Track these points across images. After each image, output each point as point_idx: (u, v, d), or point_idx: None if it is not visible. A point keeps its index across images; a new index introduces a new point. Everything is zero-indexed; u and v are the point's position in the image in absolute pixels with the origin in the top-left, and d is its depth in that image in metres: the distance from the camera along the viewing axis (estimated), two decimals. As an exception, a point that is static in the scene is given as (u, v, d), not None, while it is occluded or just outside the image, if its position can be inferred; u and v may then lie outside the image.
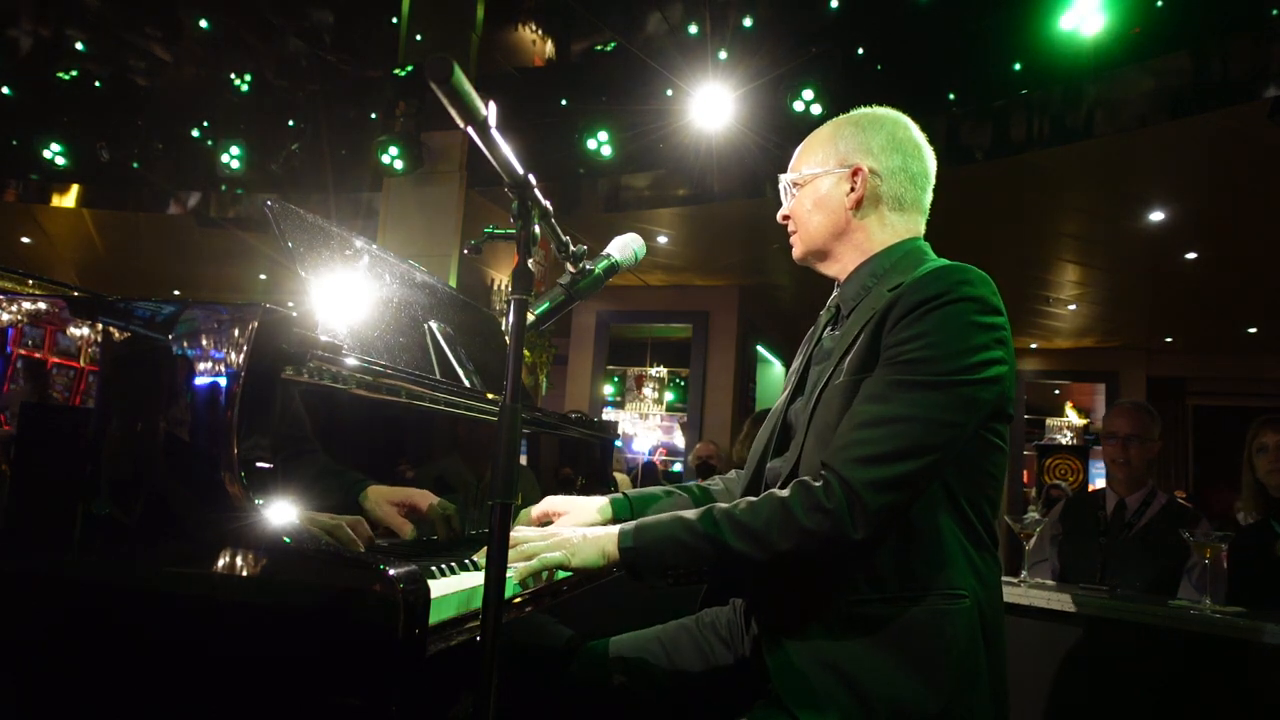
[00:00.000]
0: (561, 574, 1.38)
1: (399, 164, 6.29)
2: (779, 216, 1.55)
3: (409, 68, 6.38)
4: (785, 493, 1.21)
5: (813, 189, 1.46)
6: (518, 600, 1.32)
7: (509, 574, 1.24)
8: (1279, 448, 2.69)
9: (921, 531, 1.22)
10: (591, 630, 1.58)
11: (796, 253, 1.53)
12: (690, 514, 1.24)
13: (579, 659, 1.50)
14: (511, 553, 1.27)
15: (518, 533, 1.33)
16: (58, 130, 7.39)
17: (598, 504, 1.53)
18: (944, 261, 1.33)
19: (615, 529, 1.27)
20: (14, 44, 7.83)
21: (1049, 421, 11.73)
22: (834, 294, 1.51)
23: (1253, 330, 9.16)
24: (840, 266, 1.47)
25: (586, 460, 2.34)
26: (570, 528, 1.34)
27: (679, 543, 1.22)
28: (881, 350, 1.24)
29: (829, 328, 1.47)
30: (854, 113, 1.50)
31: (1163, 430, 3.10)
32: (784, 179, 1.53)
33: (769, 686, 1.28)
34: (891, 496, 1.16)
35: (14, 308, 1.24)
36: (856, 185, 1.42)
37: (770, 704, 1.26)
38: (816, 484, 1.19)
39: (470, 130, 1.00)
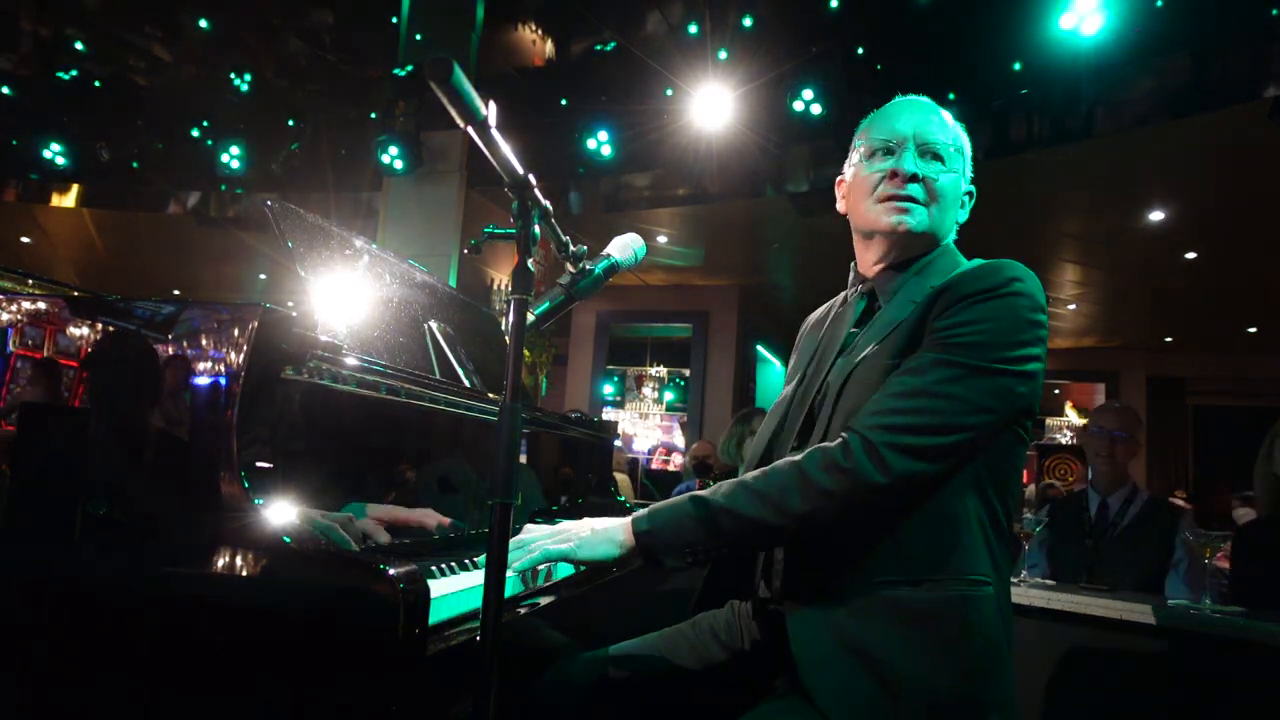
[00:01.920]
0: (565, 569, 1.37)
1: (399, 164, 6.29)
2: (909, 173, 1.33)
3: (409, 68, 6.38)
4: (799, 456, 1.21)
5: (959, 182, 1.39)
6: (518, 600, 1.32)
7: (509, 572, 1.24)
8: None
9: (952, 517, 1.22)
10: (590, 637, 1.58)
11: (916, 226, 1.34)
12: (702, 491, 1.25)
13: (577, 664, 1.50)
14: (517, 548, 1.27)
15: (525, 530, 1.33)
16: (58, 130, 7.39)
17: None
18: (983, 260, 1.35)
19: (628, 519, 1.27)
20: (14, 44, 7.82)
21: (1049, 421, 11.73)
22: (863, 282, 1.45)
23: (1253, 330, 9.17)
24: (903, 258, 1.39)
25: (586, 460, 2.34)
26: (577, 522, 1.34)
27: (694, 519, 1.22)
28: (927, 334, 1.24)
29: (858, 319, 1.43)
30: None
31: (1145, 436, 3.12)
32: (929, 139, 1.35)
33: (775, 683, 1.28)
34: (913, 464, 1.16)
35: (14, 308, 1.24)
36: (964, 206, 1.43)
37: (784, 696, 1.26)
38: (833, 444, 1.19)
39: (470, 130, 1.00)
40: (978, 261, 1.34)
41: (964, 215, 1.44)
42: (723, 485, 1.24)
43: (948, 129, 1.40)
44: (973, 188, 1.44)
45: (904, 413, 1.18)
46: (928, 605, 1.18)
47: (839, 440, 1.19)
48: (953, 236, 1.43)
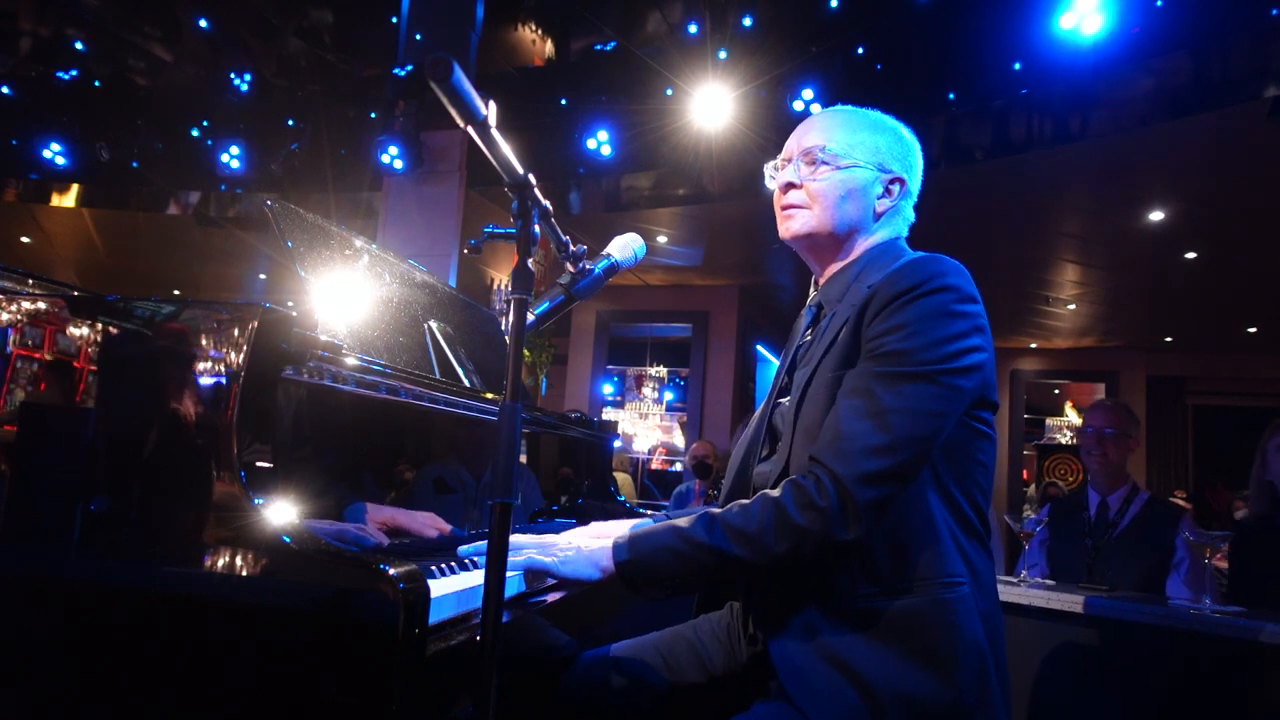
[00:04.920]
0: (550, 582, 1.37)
1: (399, 164, 6.29)
2: (782, 183, 1.44)
3: (409, 68, 6.38)
4: (777, 493, 1.21)
5: (849, 176, 1.40)
6: (518, 600, 1.32)
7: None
8: None
9: (912, 521, 1.22)
10: (591, 637, 1.58)
11: (800, 229, 1.42)
12: (683, 522, 1.24)
13: (577, 665, 1.50)
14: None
15: (513, 538, 1.33)
16: (58, 130, 7.39)
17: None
18: (919, 254, 1.34)
19: (609, 543, 1.26)
20: (14, 44, 7.82)
21: (1049, 421, 11.74)
22: (813, 293, 1.50)
23: (1253, 330, 9.17)
24: (831, 259, 1.45)
25: (586, 460, 2.34)
26: (566, 537, 1.33)
27: (675, 552, 1.22)
28: (862, 344, 1.25)
29: (810, 328, 1.46)
30: (887, 116, 1.47)
31: (1142, 431, 3.11)
32: (809, 145, 1.42)
33: (769, 685, 1.28)
34: (881, 489, 1.16)
35: (14, 308, 1.24)
36: (893, 195, 1.43)
37: (775, 699, 1.26)
38: (807, 481, 1.19)
39: (470, 130, 1.01)
40: (910, 255, 1.35)
41: (893, 203, 1.42)
42: (703, 518, 1.23)
43: (834, 129, 1.42)
44: (901, 174, 1.43)
45: (859, 436, 1.18)
46: (902, 614, 1.19)
47: (811, 476, 1.19)
48: (889, 229, 1.43)
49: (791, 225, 1.43)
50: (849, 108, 1.47)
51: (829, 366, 1.29)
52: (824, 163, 1.40)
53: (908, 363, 1.19)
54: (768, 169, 1.50)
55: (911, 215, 1.48)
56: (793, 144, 1.46)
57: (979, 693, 1.18)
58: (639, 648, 1.52)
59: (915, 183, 1.46)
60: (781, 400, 1.41)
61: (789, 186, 1.43)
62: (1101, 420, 3.04)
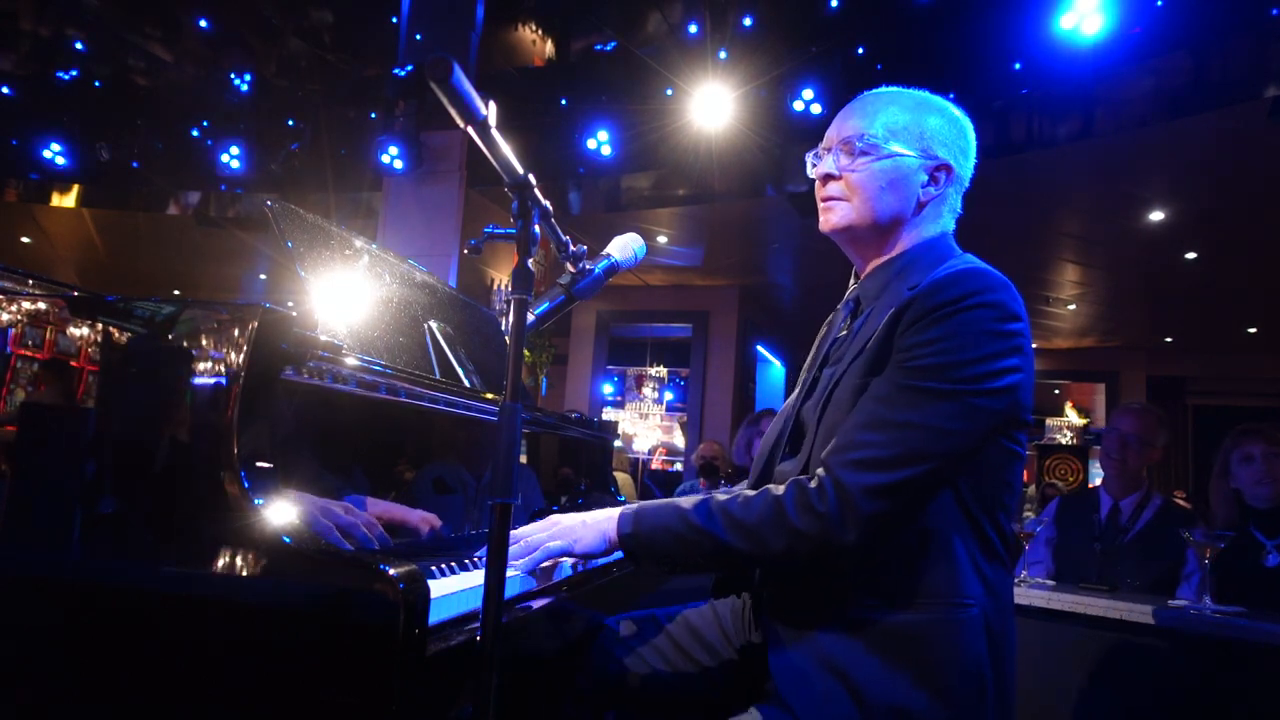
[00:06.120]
0: (567, 562, 1.38)
1: (399, 164, 6.30)
2: (821, 172, 1.38)
3: (409, 68, 6.38)
4: (780, 490, 1.21)
5: (892, 165, 1.32)
6: (518, 599, 1.32)
7: (513, 570, 1.25)
8: (1265, 458, 2.63)
9: (929, 539, 1.20)
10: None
11: (838, 222, 1.36)
12: (687, 504, 1.25)
13: (581, 650, 1.51)
14: (515, 548, 1.28)
15: (520, 530, 1.34)
16: (58, 130, 7.39)
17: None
18: (966, 261, 1.29)
19: (616, 513, 1.28)
20: (14, 44, 7.83)
21: (1049, 421, 11.73)
22: (852, 287, 1.45)
23: (1253, 330, 9.17)
24: (875, 253, 1.38)
25: (586, 460, 2.34)
26: (570, 515, 1.34)
27: (674, 534, 1.23)
28: (893, 352, 1.21)
29: (846, 323, 1.42)
30: (933, 97, 1.39)
31: (1169, 439, 3.05)
32: (848, 134, 1.35)
33: (768, 686, 1.28)
34: (885, 502, 1.15)
35: (14, 308, 1.24)
36: (939, 182, 1.35)
37: (771, 703, 1.26)
38: (811, 484, 1.18)
39: (470, 130, 1.01)
40: (958, 263, 1.28)
41: (939, 192, 1.35)
42: (705, 502, 1.23)
43: (875, 114, 1.35)
44: (948, 160, 1.35)
45: (871, 446, 1.16)
46: (904, 628, 1.17)
47: (816, 479, 1.18)
48: (935, 223, 1.36)
49: (830, 218, 1.37)
50: (894, 89, 1.40)
51: (857, 371, 1.26)
52: (863, 152, 1.33)
53: (936, 379, 1.16)
54: (809, 158, 1.43)
55: (959, 205, 1.40)
56: (833, 131, 1.39)
57: (974, 716, 1.16)
58: (641, 623, 1.52)
59: (966, 168, 1.38)
60: (809, 398, 1.38)
61: (827, 178, 1.37)
62: (1128, 425, 2.96)
